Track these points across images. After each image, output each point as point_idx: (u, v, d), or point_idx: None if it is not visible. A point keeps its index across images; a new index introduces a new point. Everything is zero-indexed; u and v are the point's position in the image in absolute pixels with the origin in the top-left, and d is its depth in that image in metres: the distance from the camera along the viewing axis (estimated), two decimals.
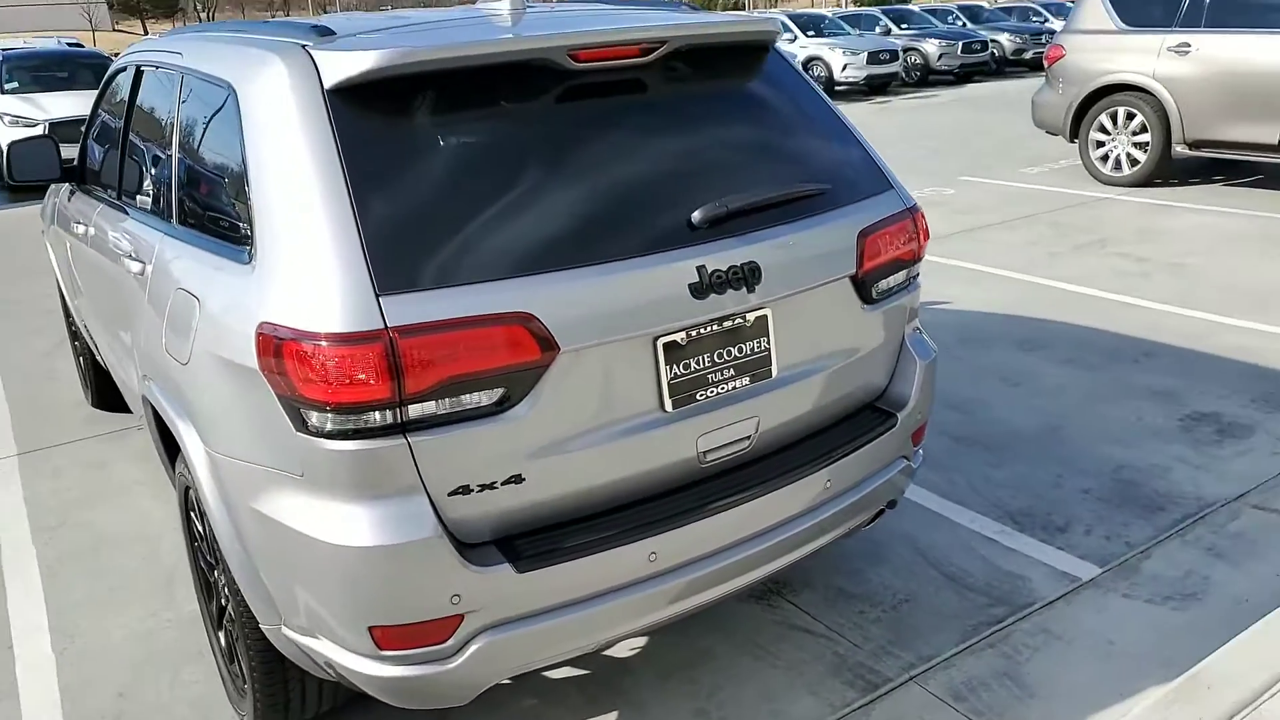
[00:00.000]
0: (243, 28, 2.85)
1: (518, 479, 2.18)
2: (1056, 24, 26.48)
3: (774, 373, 2.51)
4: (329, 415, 2.05)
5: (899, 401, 2.85)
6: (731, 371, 2.43)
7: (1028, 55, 24.13)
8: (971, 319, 5.97)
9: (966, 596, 3.27)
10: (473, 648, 2.19)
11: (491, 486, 2.15)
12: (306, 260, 2.09)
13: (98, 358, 4.59)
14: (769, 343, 2.48)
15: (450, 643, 2.17)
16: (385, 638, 2.15)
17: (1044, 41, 24.14)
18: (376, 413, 2.05)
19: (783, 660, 3.01)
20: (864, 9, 31.48)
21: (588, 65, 2.38)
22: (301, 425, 2.09)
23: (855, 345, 2.71)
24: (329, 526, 2.10)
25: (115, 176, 3.59)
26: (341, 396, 2.03)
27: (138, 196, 3.26)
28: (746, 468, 2.53)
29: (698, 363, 2.36)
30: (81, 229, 3.94)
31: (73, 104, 12.45)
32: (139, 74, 3.51)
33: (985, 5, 31.75)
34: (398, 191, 2.14)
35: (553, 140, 2.34)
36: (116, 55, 16.08)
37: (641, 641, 3.12)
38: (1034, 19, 28.64)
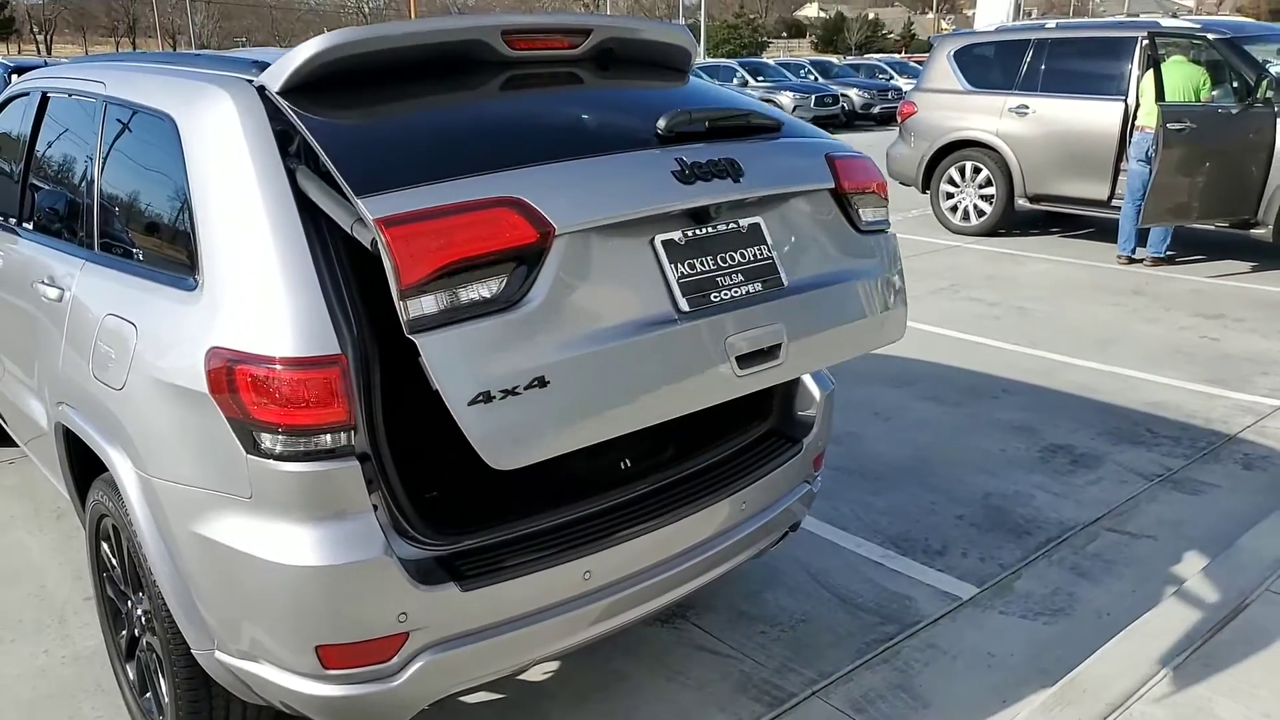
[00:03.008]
0: (173, 59, 2.87)
1: (541, 382, 2.07)
2: (901, 81, 27.95)
3: (784, 281, 2.52)
4: (281, 438, 2.09)
5: (803, 428, 3.05)
6: (740, 276, 2.43)
7: (875, 110, 25.39)
8: None
9: (858, 616, 3.48)
10: (415, 666, 2.24)
11: (514, 392, 2.04)
12: (259, 286, 2.13)
13: None
14: (769, 250, 2.51)
15: (394, 661, 2.22)
16: (331, 656, 2.18)
17: (890, 97, 25.45)
18: (329, 435, 2.10)
19: (692, 679, 3.14)
20: (720, 60, 32.54)
21: (524, 54, 2.55)
22: (253, 448, 2.12)
23: (858, 268, 2.74)
24: (279, 547, 2.13)
25: (14, 203, 3.49)
26: (295, 419, 2.08)
27: (49, 224, 3.18)
28: (671, 489, 2.67)
29: (702, 264, 2.37)
30: None
31: None
32: (45, 100, 3.44)
33: (835, 61, 33.29)
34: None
35: (503, 108, 2.51)
36: None
37: (555, 665, 3.20)
38: (880, 76, 30.16)
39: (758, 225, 2.52)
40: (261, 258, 2.14)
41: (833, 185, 2.71)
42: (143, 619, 2.71)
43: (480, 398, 2.00)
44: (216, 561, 2.24)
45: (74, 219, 3.00)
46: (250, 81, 2.36)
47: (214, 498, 2.21)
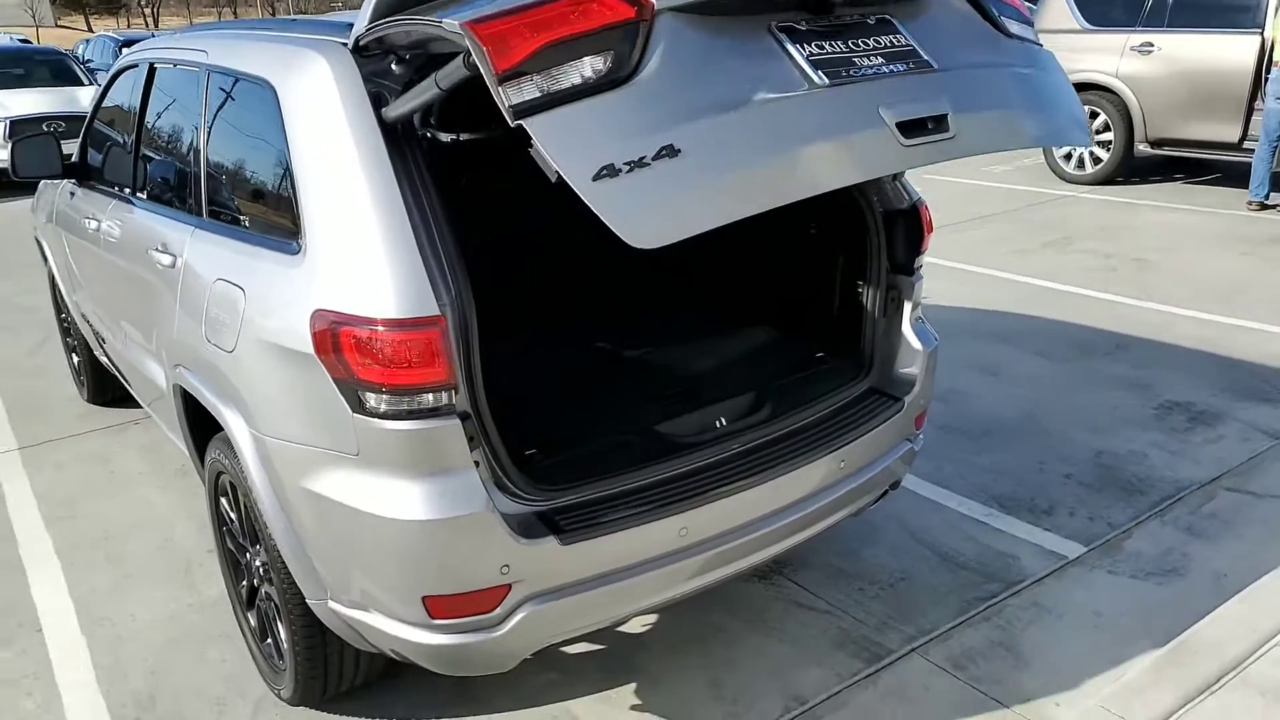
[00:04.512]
0: (272, 25, 2.94)
1: (671, 150, 1.89)
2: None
3: (934, 65, 2.27)
4: (385, 397, 2.16)
5: (905, 385, 3.01)
6: (880, 59, 2.21)
7: None
8: (947, 313, 6.16)
9: (960, 574, 3.44)
10: (517, 617, 2.31)
11: (642, 163, 1.87)
12: (360, 248, 2.20)
13: (96, 353, 4.63)
14: (907, 39, 2.29)
15: (497, 611, 2.29)
16: (438, 607, 2.26)
17: None
18: (431, 394, 2.16)
19: (789, 635, 3.15)
20: None
21: None
22: (358, 406, 2.19)
23: (1017, 63, 2.50)
24: (386, 502, 2.21)
25: (129, 173, 3.64)
26: (398, 379, 2.14)
27: (160, 192, 3.32)
28: (767, 448, 2.67)
29: (832, 46, 2.17)
30: (88, 225, 3.98)
31: (32, 101, 12.31)
32: (152, 71, 3.56)
33: None
34: None
35: None
36: (68, 51, 15.55)
37: (653, 619, 3.25)
38: None
39: (887, 19, 2.31)
40: (361, 220, 2.20)
41: None
42: (261, 570, 2.84)
43: (605, 171, 1.84)
44: (327, 516, 2.33)
45: (183, 187, 3.12)
46: (345, 44, 2.40)
47: (323, 455, 2.30)
